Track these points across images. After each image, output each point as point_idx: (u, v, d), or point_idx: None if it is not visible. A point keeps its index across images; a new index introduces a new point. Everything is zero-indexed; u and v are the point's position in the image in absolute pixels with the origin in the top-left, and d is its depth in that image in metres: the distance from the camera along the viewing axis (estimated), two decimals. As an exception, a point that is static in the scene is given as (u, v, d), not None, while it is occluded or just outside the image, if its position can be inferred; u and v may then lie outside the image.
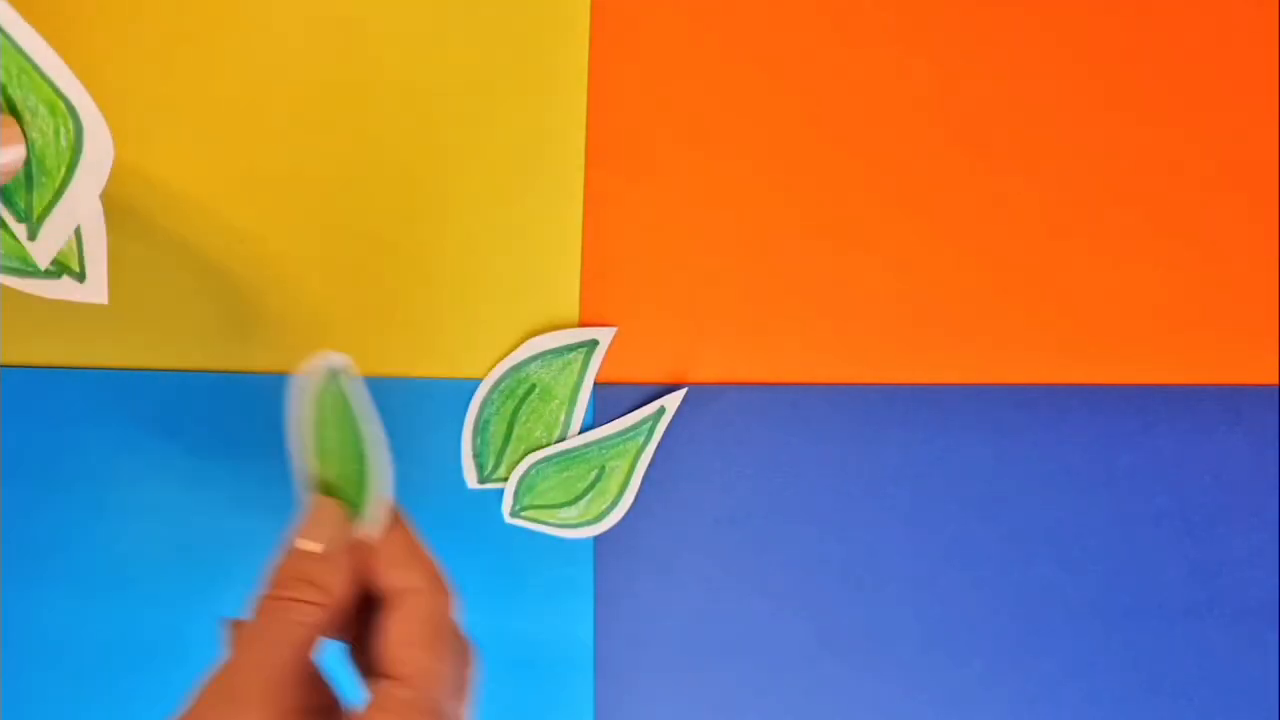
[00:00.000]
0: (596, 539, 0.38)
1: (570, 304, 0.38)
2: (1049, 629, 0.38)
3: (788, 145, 0.38)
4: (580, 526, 0.38)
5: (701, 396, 0.38)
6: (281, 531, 0.38)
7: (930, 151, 0.38)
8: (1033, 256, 0.38)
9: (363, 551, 0.29)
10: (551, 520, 0.38)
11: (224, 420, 0.38)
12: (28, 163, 0.28)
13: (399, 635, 0.27)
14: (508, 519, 0.38)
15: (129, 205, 0.37)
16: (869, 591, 0.38)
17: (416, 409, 0.38)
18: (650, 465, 0.38)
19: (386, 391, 0.38)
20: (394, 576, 0.28)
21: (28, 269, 0.30)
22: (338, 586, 0.28)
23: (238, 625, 0.27)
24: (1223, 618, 0.38)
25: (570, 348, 0.38)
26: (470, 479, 0.38)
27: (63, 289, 0.31)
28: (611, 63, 0.37)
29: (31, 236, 0.29)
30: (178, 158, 0.37)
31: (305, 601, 0.27)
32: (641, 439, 0.38)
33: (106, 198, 0.37)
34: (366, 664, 0.29)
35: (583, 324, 0.38)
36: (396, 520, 0.30)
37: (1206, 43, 0.38)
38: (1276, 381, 0.38)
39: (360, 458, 0.29)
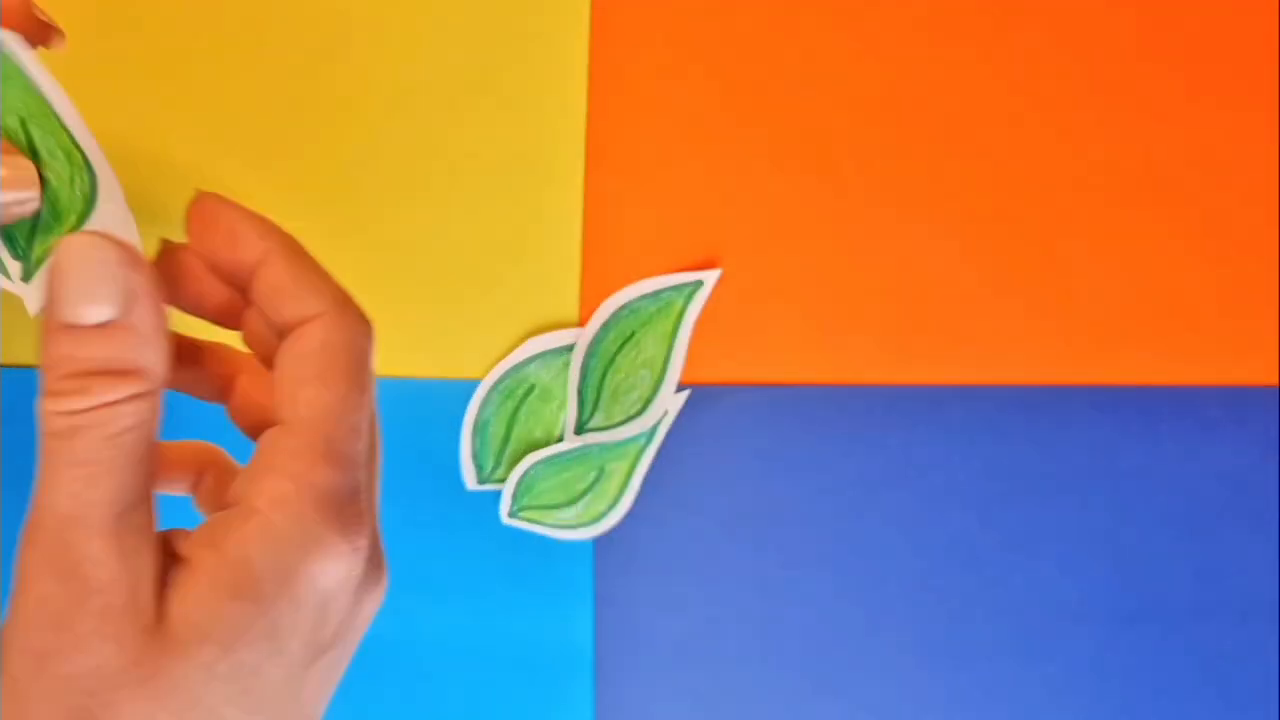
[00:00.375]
0: (596, 540, 0.38)
1: (570, 304, 0.38)
2: (1049, 629, 0.38)
3: (787, 145, 0.38)
4: (578, 528, 0.38)
5: (702, 397, 0.38)
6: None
7: (930, 150, 0.38)
8: (1033, 256, 0.38)
9: (177, 265, 0.21)
10: (549, 521, 0.38)
11: (224, 420, 0.38)
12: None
13: (290, 374, 0.20)
14: (505, 519, 0.38)
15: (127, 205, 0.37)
16: (869, 591, 0.38)
17: (415, 409, 0.38)
18: (650, 466, 0.38)
19: (385, 391, 0.38)
20: (283, 309, 0.21)
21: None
22: (156, 356, 0.20)
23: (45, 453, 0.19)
24: (1224, 618, 0.38)
25: (570, 348, 0.38)
26: (469, 480, 0.38)
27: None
28: (611, 63, 0.37)
29: (26, 278, 0.28)
30: (175, 159, 0.37)
31: (117, 401, 0.19)
32: (643, 440, 0.38)
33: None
34: (252, 419, 0.23)
35: (583, 324, 0.38)
36: (268, 231, 0.22)
37: (1207, 42, 0.38)
38: (1277, 382, 0.38)
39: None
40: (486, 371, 0.38)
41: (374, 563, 0.21)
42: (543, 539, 0.38)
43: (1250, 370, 0.38)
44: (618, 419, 0.38)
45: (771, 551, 0.38)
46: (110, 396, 0.19)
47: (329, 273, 0.22)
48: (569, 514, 0.38)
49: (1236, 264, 0.38)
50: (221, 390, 0.24)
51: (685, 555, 0.38)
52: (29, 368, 0.37)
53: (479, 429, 0.38)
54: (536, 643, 0.38)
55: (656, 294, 0.38)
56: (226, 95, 0.37)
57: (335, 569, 0.20)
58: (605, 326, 0.37)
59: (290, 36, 0.37)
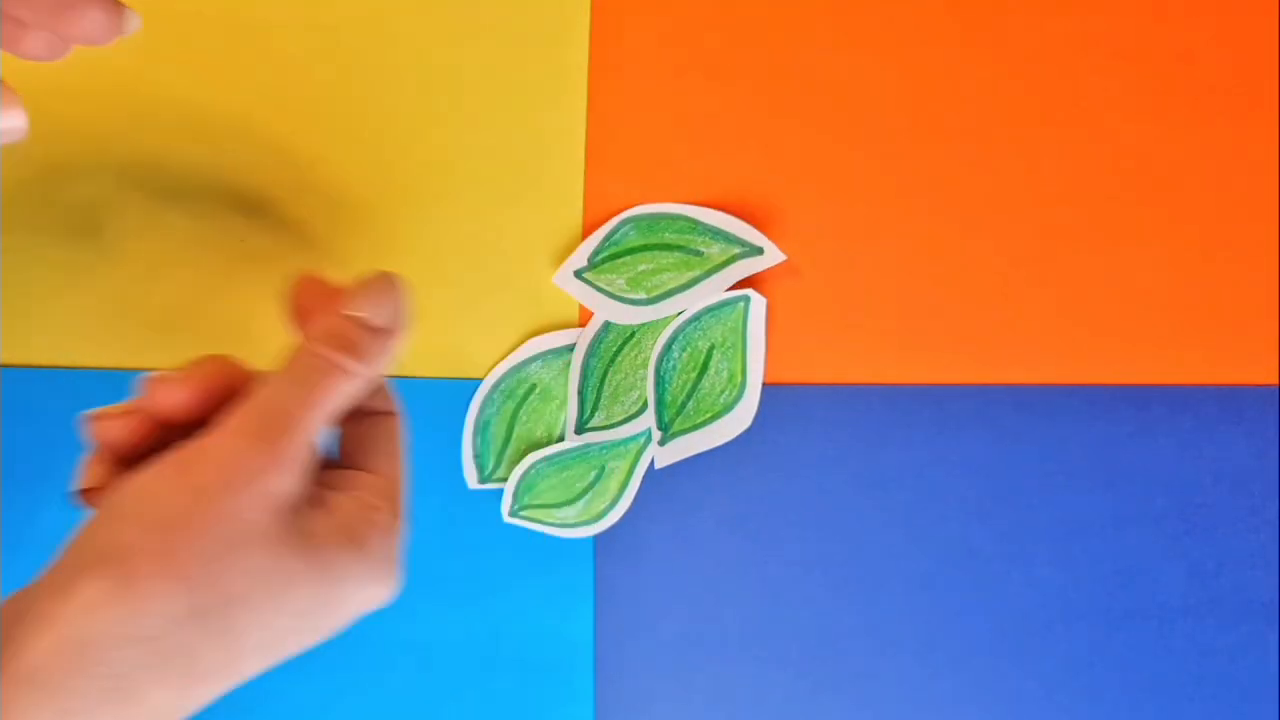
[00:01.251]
0: (596, 539, 0.38)
1: (570, 303, 0.38)
2: (1048, 629, 0.39)
3: (787, 145, 0.38)
4: (578, 526, 0.38)
5: (702, 396, 0.38)
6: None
7: (930, 151, 0.38)
8: (1033, 256, 0.38)
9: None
10: (549, 520, 0.38)
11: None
12: None
13: (383, 439, 0.28)
14: (506, 518, 0.38)
15: (130, 207, 0.37)
16: (869, 591, 0.38)
17: (416, 409, 0.38)
18: (650, 465, 0.38)
19: (387, 391, 0.38)
20: (376, 400, 0.29)
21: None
22: (379, 369, 0.27)
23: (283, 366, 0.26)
24: (1223, 618, 0.38)
25: (571, 348, 0.38)
26: (471, 479, 0.38)
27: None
28: (611, 63, 0.37)
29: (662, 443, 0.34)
30: (178, 159, 0.37)
31: (350, 372, 0.26)
32: (643, 439, 0.38)
33: (107, 200, 0.37)
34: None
35: (583, 324, 0.38)
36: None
37: (1208, 42, 0.38)
38: (1276, 381, 0.38)
39: None
40: (488, 371, 0.38)
41: None
42: (544, 537, 0.38)
43: (1249, 370, 0.38)
44: (618, 418, 0.38)
45: (771, 550, 0.38)
46: (354, 367, 0.26)
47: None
48: (570, 512, 0.38)
49: (1236, 264, 0.38)
50: None
51: (685, 553, 0.38)
52: (29, 367, 0.37)
53: (480, 428, 0.38)
54: (537, 640, 0.39)
55: None
56: (230, 96, 0.37)
57: (386, 596, 0.26)
58: (605, 326, 0.37)
59: (290, 37, 0.37)
